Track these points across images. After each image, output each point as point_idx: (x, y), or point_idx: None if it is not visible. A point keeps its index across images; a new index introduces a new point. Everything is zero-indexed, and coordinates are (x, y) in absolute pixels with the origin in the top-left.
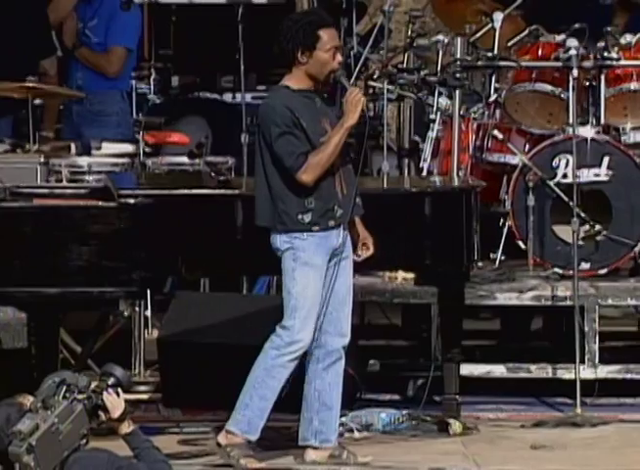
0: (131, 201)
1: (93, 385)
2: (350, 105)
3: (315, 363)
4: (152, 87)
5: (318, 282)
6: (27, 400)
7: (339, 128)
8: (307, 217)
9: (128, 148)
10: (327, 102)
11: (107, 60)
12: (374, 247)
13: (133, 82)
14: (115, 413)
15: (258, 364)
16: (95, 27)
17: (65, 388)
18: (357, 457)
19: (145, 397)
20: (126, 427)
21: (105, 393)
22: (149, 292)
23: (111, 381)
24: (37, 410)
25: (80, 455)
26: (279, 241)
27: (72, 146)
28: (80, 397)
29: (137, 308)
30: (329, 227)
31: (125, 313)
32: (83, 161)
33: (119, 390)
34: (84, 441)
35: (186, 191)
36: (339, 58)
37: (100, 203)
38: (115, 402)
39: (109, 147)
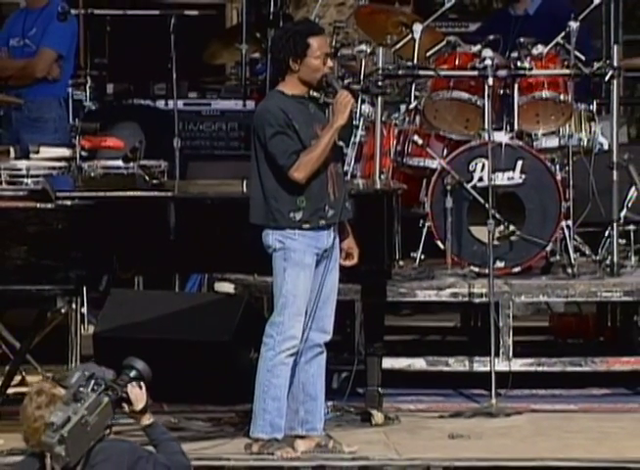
0: (68, 203)
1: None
2: (340, 106)
3: (297, 357)
4: (88, 94)
5: (308, 281)
6: (58, 391)
7: (328, 129)
8: (298, 215)
9: (65, 152)
10: (321, 108)
11: (28, 64)
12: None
13: (70, 89)
14: (138, 406)
15: (260, 370)
16: (34, 36)
17: (93, 381)
18: (343, 447)
19: None
20: (147, 419)
21: (129, 385)
22: (85, 289)
23: (132, 374)
24: (68, 403)
25: (104, 445)
26: (271, 239)
27: (12, 150)
28: (107, 389)
29: (73, 305)
30: (319, 226)
31: (62, 310)
32: (22, 164)
33: (142, 383)
34: (108, 431)
35: (121, 193)
36: (329, 63)
37: (38, 204)
38: (139, 395)
39: (46, 151)
